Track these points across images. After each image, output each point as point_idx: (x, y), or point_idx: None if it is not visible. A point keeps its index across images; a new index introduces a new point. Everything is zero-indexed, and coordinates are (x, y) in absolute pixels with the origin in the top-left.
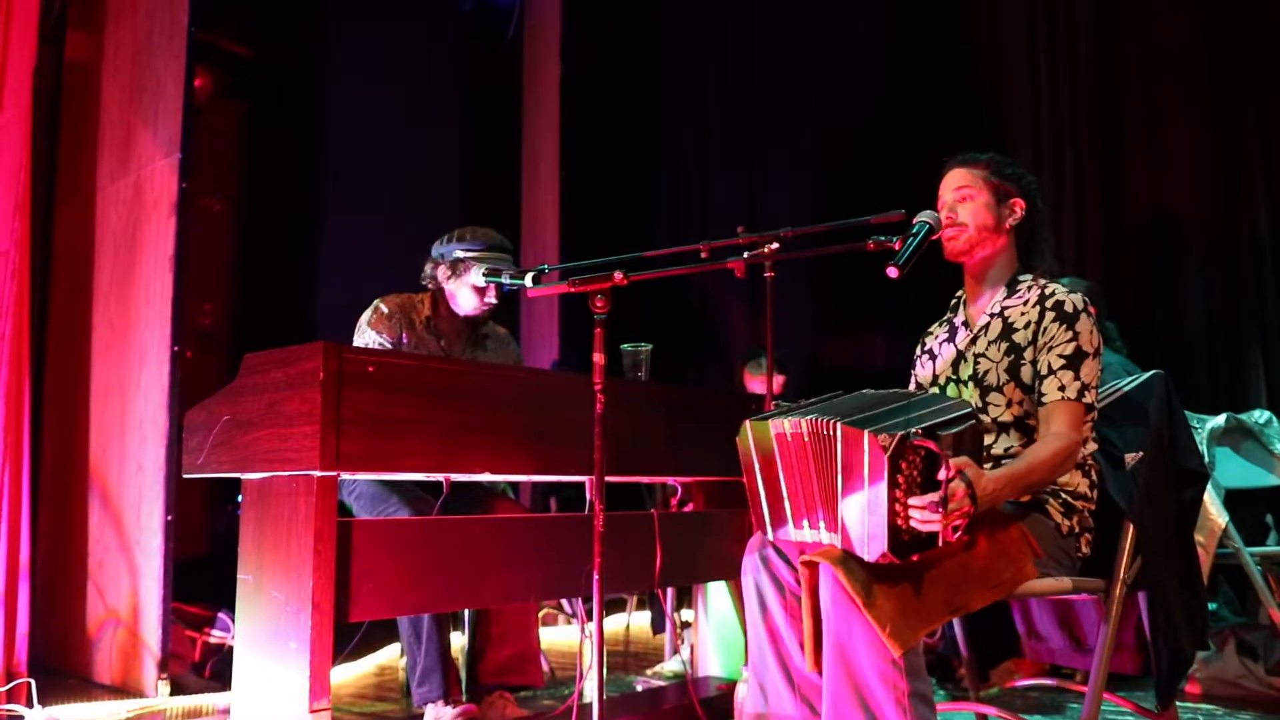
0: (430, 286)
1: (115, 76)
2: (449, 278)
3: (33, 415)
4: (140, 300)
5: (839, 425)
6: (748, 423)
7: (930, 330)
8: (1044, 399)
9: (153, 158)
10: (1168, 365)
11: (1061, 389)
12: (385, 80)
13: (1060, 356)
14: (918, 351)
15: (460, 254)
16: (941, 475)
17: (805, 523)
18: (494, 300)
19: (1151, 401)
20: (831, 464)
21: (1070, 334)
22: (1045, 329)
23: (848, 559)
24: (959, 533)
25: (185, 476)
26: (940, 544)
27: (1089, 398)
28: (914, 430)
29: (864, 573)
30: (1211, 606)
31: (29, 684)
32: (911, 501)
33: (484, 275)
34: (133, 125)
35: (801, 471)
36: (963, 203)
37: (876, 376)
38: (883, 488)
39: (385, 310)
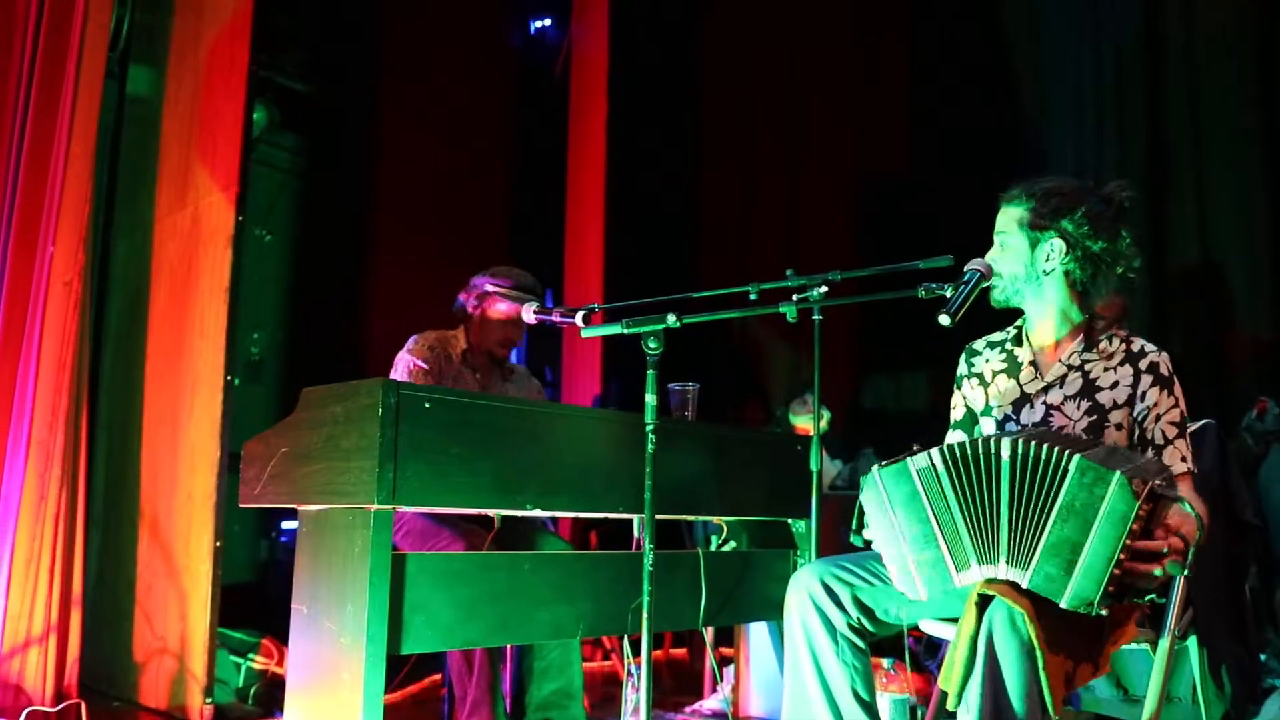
0: (460, 315)
1: (175, 111)
2: (475, 309)
3: (88, 443)
4: (194, 330)
5: (1077, 457)
6: (875, 471)
7: (977, 349)
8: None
9: (210, 191)
10: (1213, 414)
11: (1184, 460)
12: (435, 114)
13: (1173, 425)
14: (964, 371)
15: (489, 288)
16: (1162, 533)
17: (974, 561)
18: (515, 336)
19: (1203, 452)
20: (1045, 496)
21: (1173, 400)
22: (1145, 394)
23: (1034, 603)
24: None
25: (242, 506)
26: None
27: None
28: (1158, 481)
29: (1043, 621)
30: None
31: (79, 706)
32: (1137, 552)
33: (534, 313)
34: (190, 159)
35: (978, 503)
36: (999, 249)
37: (919, 418)
38: (1120, 533)
39: (424, 344)
